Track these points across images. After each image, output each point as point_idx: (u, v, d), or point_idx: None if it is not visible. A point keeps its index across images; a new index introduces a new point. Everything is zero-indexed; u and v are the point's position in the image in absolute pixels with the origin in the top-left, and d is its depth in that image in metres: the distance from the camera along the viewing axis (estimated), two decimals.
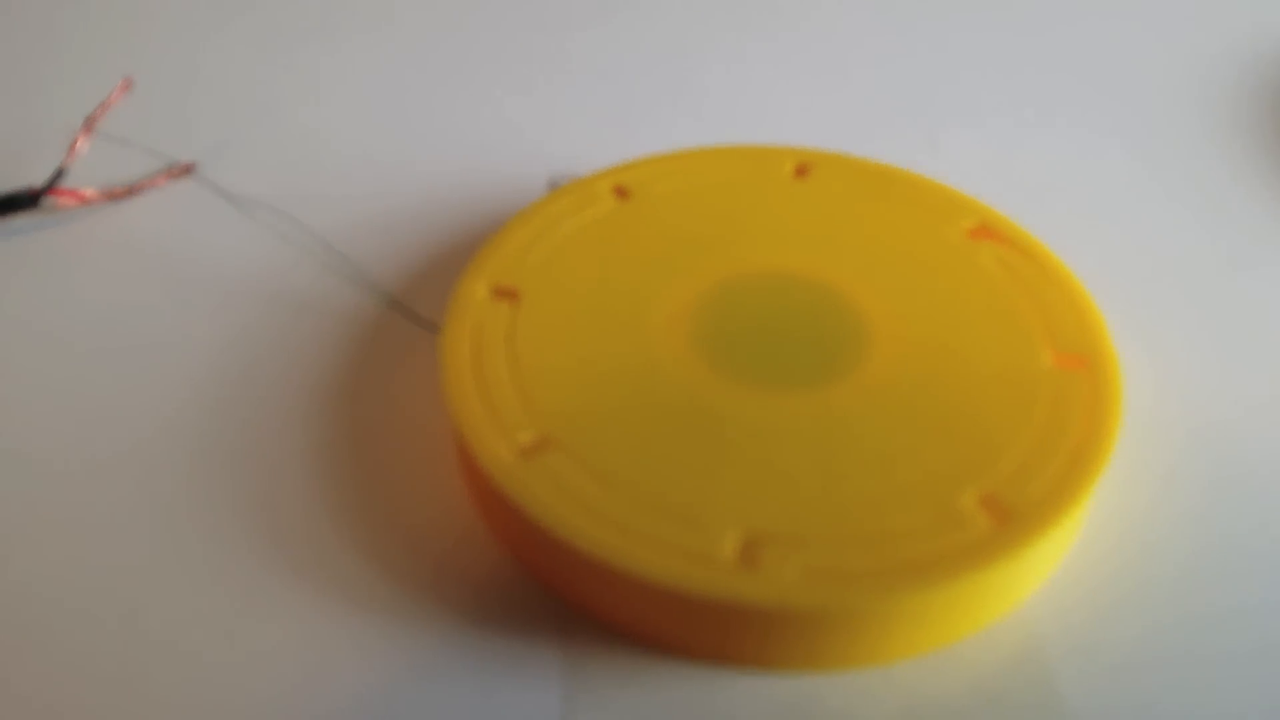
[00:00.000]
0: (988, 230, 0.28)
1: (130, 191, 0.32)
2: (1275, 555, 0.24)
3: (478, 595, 0.23)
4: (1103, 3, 0.41)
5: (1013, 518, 0.22)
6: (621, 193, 0.29)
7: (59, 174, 0.31)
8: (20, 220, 0.31)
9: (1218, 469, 0.26)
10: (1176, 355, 0.28)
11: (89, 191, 0.31)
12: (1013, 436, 0.23)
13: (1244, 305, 0.30)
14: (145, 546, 0.24)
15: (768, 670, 0.22)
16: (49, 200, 0.31)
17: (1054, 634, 0.23)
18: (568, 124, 0.36)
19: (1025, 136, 0.35)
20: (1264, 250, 0.31)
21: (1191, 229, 0.32)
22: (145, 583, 0.23)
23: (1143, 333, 0.29)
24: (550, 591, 0.23)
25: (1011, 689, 0.22)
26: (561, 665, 0.22)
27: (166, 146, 0.33)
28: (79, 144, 0.31)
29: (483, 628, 0.23)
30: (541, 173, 0.33)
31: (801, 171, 0.30)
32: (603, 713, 0.22)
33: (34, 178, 0.32)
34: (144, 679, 0.22)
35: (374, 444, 0.26)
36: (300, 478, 0.25)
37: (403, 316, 0.28)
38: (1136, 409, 0.27)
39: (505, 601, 0.23)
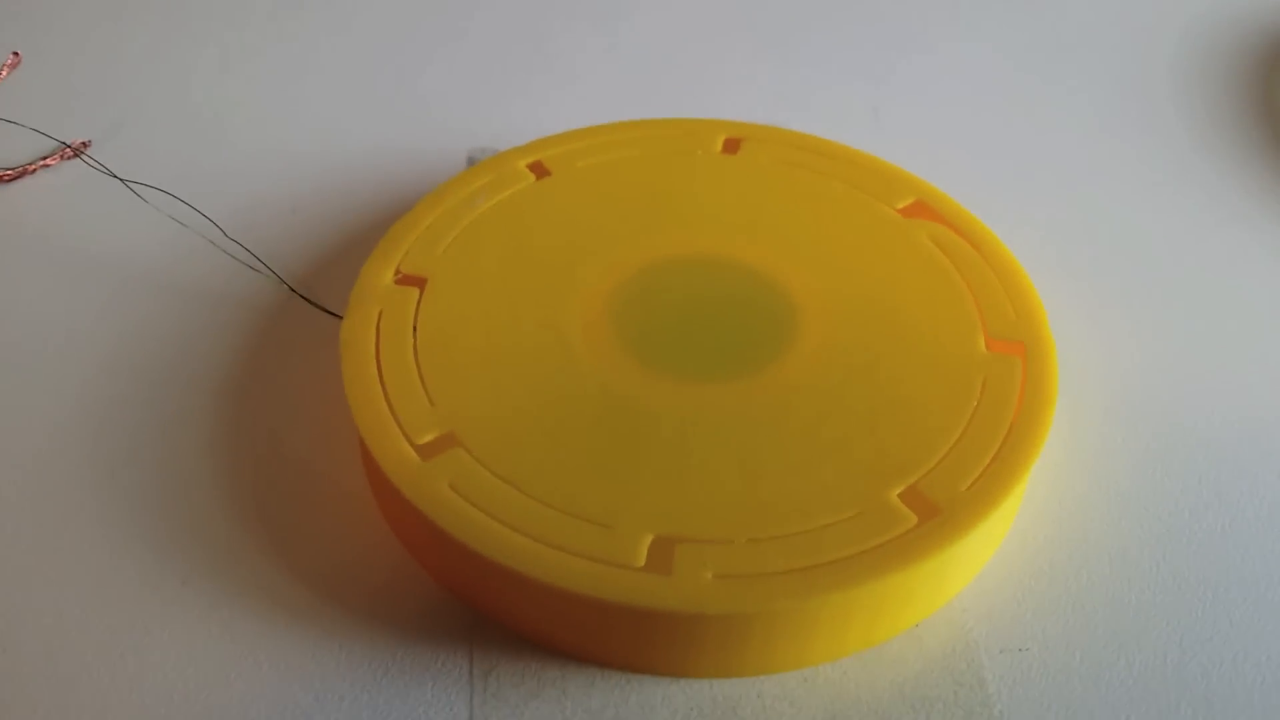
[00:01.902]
0: (925, 208, 0.28)
1: (18, 174, 0.31)
2: (1211, 547, 0.24)
3: (384, 601, 0.23)
4: None
5: (940, 513, 0.22)
6: (540, 169, 0.29)
7: None
8: None
9: (1156, 456, 0.26)
10: (1119, 338, 0.28)
11: None
12: (943, 428, 0.23)
13: (1189, 288, 0.30)
14: (31, 554, 0.24)
15: (684, 676, 0.22)
16: None
17: (984, 631, 0.23)
18: (490, 98, 0.35)
19: (971, 112, 0.35)
20: (1208, 232, 0.31)
21: (1136, 210, 0.32)
22: (32, 591, 0.23)
23: (1085, 314, 0.29)
24: (458, 597, 0.23)
25: (939, 689, 0.22)
26: (471, 673, 0.22)
27: (57, 126, 0.33)
28: None
29: (389, 635, 0.23)
30: (461, 149, 0.33)
31: (731, 146, 0.30)
32: None
33: None
34: (31, 691, 0.22)
35: (277, 441, 0.26)
36: (198, 477, 0.25)
37: (306, 304, 0.28)
38: (1077, 392, 0.27)
39: (413, 607, 0.23)
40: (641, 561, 0.21)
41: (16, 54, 0.33)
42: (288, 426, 0.26)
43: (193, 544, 0.24)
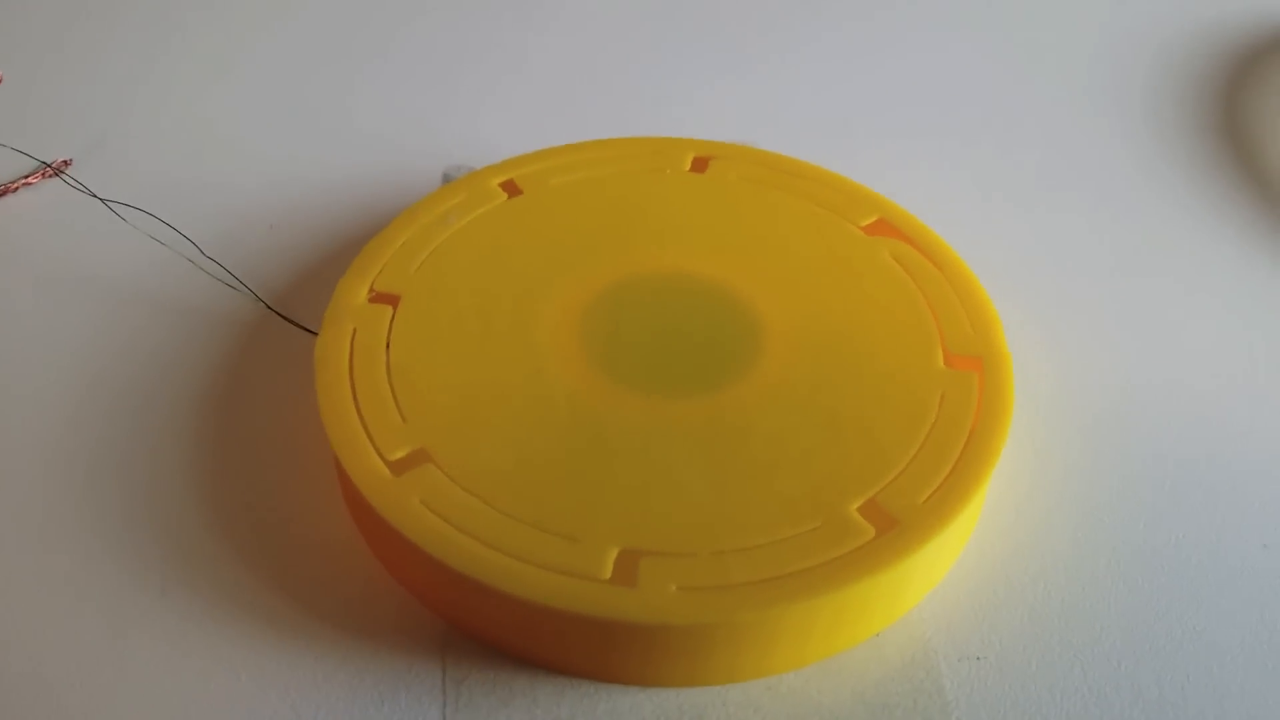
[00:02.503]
0: (888, 226, 0.29)
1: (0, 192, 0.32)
2: (1166, 557, 0.25)
3: (359, 612, 0.24)
4: (1011, 2, 0.42)
5: (897, 525, 0.23)
6: (512, 188, 0.30)
7: None
8: None
9: (1112, 467, 0.27)
10: (1076, 352, 0.29)
11: None
12: (901, 442, 0.24)
13: (1145, 303, 0.30)
14: (11, 564, 0.24)
15: (650, 685, 0.23)
16: None
17: (943, 640, 0.23)
18: (464, 115, 0.36)
19: (935, 130, 0.36)
20: (1164, 247, 0.32)
21: (1093, 226, 0.33)
22: (12, 600, 0.24)
23: (1043, 329, 0.29)
24: (430, 608, 0.24)
25: (899, 696, 0.23)
26: (443, 683, 0.23)
27: (38, 145, 0.33)
28: None
29: (364, 645, 0.23)
30: (437, 168, 0.34)
31: (700, 164, 0.31)
32: None
33: None
34: (6, 696, 0.22)
35: (253, 455, 0.26)
36: (176, 490, 0.25)
37: (282, 321, 0.29)
38: (1034, 405, 0.27)
39: (386, 619, 0.24)
40: (607, 574, 0.22)
41: None
42: (264, 441, 0.26)
43: (171, 555, 0.24)
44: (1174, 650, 0.23)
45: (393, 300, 0.26)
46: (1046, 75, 0.38)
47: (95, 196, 0.31)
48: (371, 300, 0.26)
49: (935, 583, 0.24)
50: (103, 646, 0.23)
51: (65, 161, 0.33)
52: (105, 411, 0.27)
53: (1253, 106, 0.37)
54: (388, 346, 0.25)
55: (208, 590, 0.24)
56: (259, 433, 0.26)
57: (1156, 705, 0.23)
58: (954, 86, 0.37)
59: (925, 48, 0.39)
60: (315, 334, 0.26)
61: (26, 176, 0.32)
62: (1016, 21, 0.40)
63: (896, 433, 0.24)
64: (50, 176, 0.32)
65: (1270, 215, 0.33)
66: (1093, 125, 0.36)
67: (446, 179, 0.33)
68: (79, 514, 0.25)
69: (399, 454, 0.24)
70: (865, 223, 0.29)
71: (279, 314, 0.29)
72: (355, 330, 0.26)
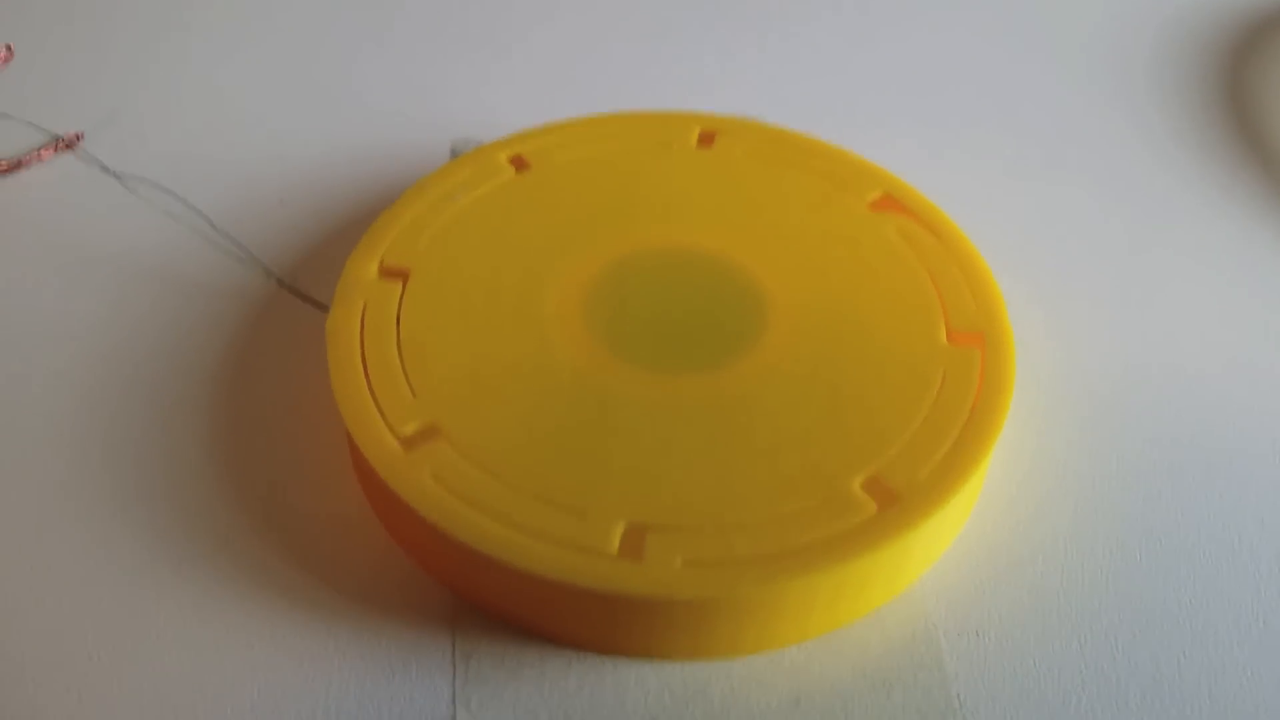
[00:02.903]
0: (893, 201, 0.29)
1: (12, 166, 0.32)
2: (1164, 534, 0.25)
3: (370, 586, 0.24)
4: None
5: (898, 501, 0.23)
6: (520, 163, 0.30)
7: None
8: None
9: (1112, 445, 0.27)
10: (1078, 329, 0.29)
11: None
12: (903, 418, 0.24)
13: (1147, 280, 0.31)
14: (29, 541, 0.25)
15: (656, 658, 0.23)
16: None
17: (943, 614, 0.24)
18: (473, 88, 0.36)
19: (943, 105, 0.36)
20: (1168, 226, 0.32)
21: (1098, 203, 0.33)
22: (27, 575, 0.24)
23: (1046, 306, 0.30)
24: (440, 582, 0.24)
25: (899, 670, 0.23)
26: (453, 655, 0.23)
27: (50, 119, 0.33)
28: None
29: (375, 618, 0.24)
30: (445, 140, 0.34)
31: (706, 139, 0.31)
32: (493, 702, 0.23)
33: None
34: (29, 669, 0.23)
35: (265, 429, 0.27)
36: (189, 466, 0.26)
37: (293, 295, 0.29)
38: (1037, 383, 0.28)
39: (396, 592, 0.24)
40: (614, 548, 0.22)
41: (9, 47, 0.33)
42: (275, 416, 0.27)
43: (185, 531, 0.25)
44: (1170, 626, 0.24)
45: (402, 275, 0.27)
46: (1052, 52, 0.38)
47: (107, 170, 0.31)
48: (381, 275, 0.27)
49: (936, 558, 0.25)
50: (120, 619, 0.23)
51: (78, 135, 0.33)
52: (119, 386, 0.27)
53: (1258, 83, 0.37)
54: (398, 322, 0.26)
55: (221, 564, 0.24)
56: (271, 407, 0.27)
57: (1152, 680, 0.23)
58: (960, 63, 0.38)
59: (931, 24, 0.39)
60: (326, 309, 0.26)
61: (39, 150, 0.32)
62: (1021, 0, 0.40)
63: (899, 408, 0.25)
64: (63, 150, 0.32)
65: (1275, 192, 0.33)
66: (1098, 103, 0.36)
67: (454, 153, 0.33)
68: (95, 488, 0.25)
69: (410, 429, 0.24)
70: (871, 198, 0.29)
71: (290, 289, 0.29)
72: (366, 305, 0.26)
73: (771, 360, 0.25)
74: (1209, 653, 0.23)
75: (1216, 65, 0.38)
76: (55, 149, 0.32)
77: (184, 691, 0.22)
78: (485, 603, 0.24)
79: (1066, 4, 0.40)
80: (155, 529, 0.25)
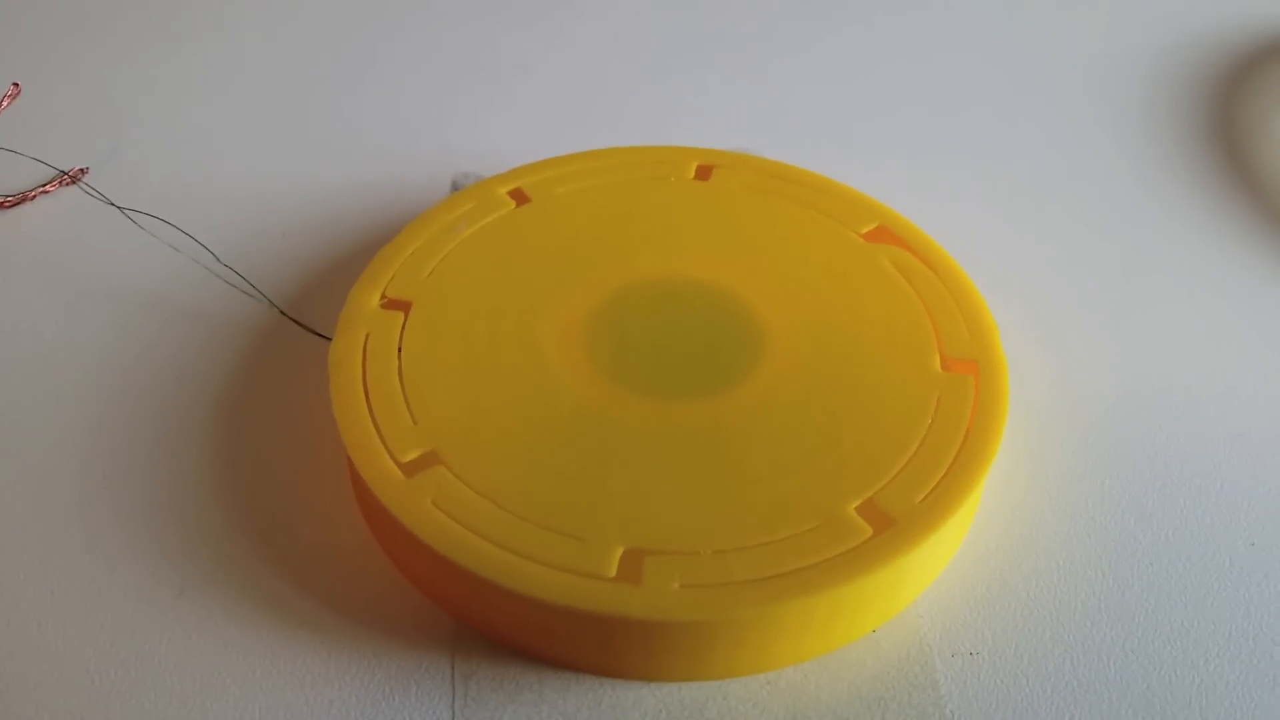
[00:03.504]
0: (887, 233, 0.30)
1: (18, 200, 0.33)
2: (1155, 556, 0.26)
3: (371, 610, 0.25)
4: (1006, 6, 0.43)
5: (894, 525, 0.24)
6: (520, 196, 0.31)
7: None
8: None
9: (1103, 469, 0.27)
10: (1071, 356, 0.30)
11: None
12: (899, 444, 0.25)
13: (1138, 307, 0.31)
14: (33, 566, 0.25)
15: (654, 680, 0.24)
16: None
17: (937, 636, 0.24)
18: (473, 123, 0.37)
19: (932, 140, 0.37)
20: (1158, 253, 0.33)
21: (1091, 233, 0.34)
22: (35, 601, 0.25)
23: (1039, 334, 0.30)
24: (440, 606, 0.25)
25: (894, 690, 0.24)
26: (453, 678, 0.24)
27: (55, 154, 0.34)
28: None
29: (376, 641, 0.24)
30: (445, 175, 0.34)
31: (703, 173, 0.32)
32: None
33: None
34: (32, 690, 0.23)
35: (268, 456, 0.27)
36: (193, 492, 0.26)
37: (296, 326, 0.30)
38: (1030, 409, 0.28)
39: (398, 616, 0.25)
40: (613, 572, 0.23)
41: (16, 85, 0.34)
42: (278, 443, 0.27)
43: (188, 556, 0.25)
44: (1161, 646, 0.24)
45: (404, 306, 0.27)
46: (1043, 83, 0.39)
47: (112, 204, 0.32)
48: (383, 306, 0.27)
49: (930, 581, 0.25)
50: (123, 643, 0.24)
51: (82, 170, 0.34)
52: (124, 416, 0.28)
53: (1247, 113, 0.38)
54: (399, 351, 0.26)
55: (224, 589, 0.25)
56: (274, 435, 0.27)
57: (1144, 699, 0.23)
58: (952, 95, 0.38)
59: (923, 56, 0.40)
60: (329, 339, 0.27)
61: (44, 185, 0.33)
62: (1013, 30, 0.41)
63: (894, 435, 0.25)
64: (67, 185, 0.33)
65: (1264, 220, 0.34)
66: (1090, 133, 0.37)
67: (455, 187, 0.34)
68: (99, 516, 0.26)
69: (410, 456, 0.24)
70: (865, 230, 0.30)
71: (293, 320, 0.30)
72: (368, 335, 0.27)
73: (768, 388, 0.26)
74: (1200, 672, 0.24)
75: (1206, 97, 0.38)
76: (60, 183, 0.33)
77: (186, 714, 0.23)
78: (484, 626, 0.24)
79: (1058, 37, 0.41)
80: (159, 554, 0.25)
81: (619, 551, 0.23)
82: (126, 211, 0.32)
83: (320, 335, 0.29)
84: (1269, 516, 0.27)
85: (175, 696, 0.23)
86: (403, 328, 0.27)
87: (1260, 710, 0.23)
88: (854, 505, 0.24)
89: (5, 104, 0.33)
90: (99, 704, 0.23)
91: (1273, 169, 0.36)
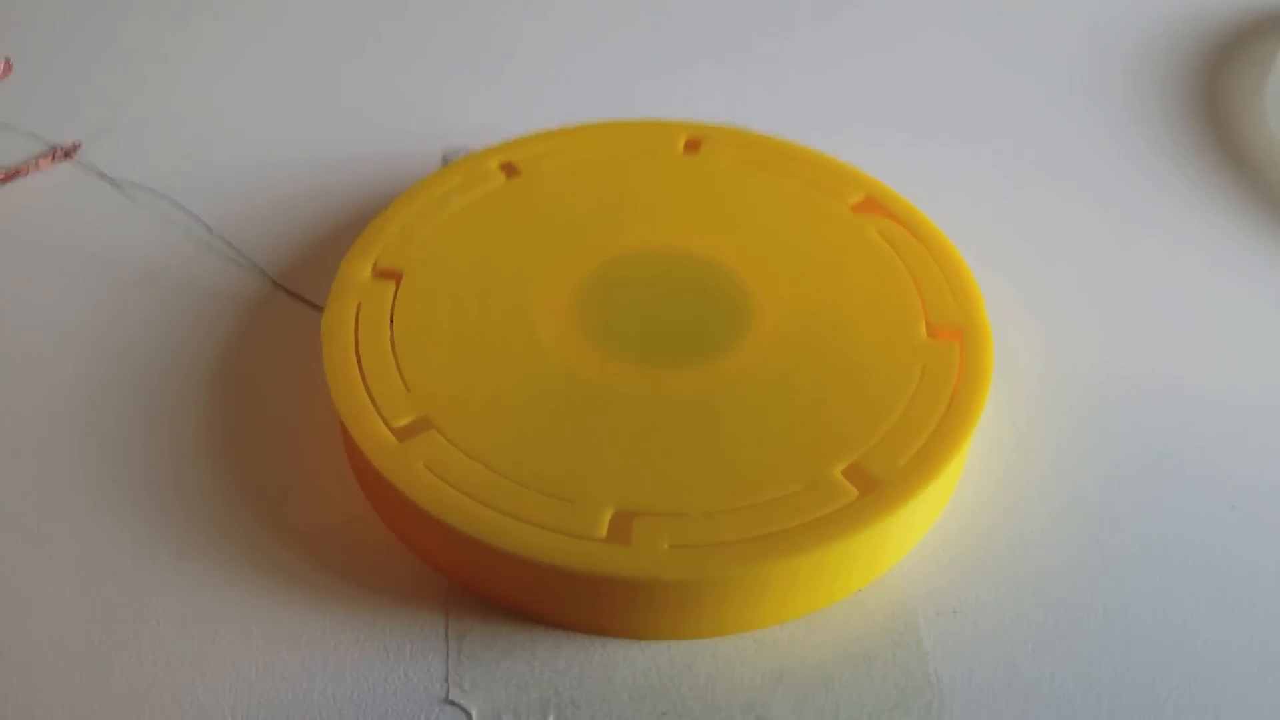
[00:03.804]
0: (875, 204, 0.30)
1: (12, 175, 0.33)
2: (1134, 519, 0.26)
3: (366, 572, 0.25)
4: None
5: (878, 487, 0.24)
6: (510, 169, 0.31)
7: None
8: None
9: (1084, 435, 0.28)
10: (1058, 327, 0.30)
11: None
12: (884, 409, 0.26)
13: (1122, 279, 0.32)
14: (33, 532, 0.26)
15: (643, 638, 0.24)
16: None
17: (921, 596, 0.25)
18: (463, 97, 0.37)
19: (920, 113, 0.37)
20: (1143, 227, 0.34)
21: (1077, 206, 0.34)
22: (35, 565, 0.25)
23: (1025, 305, 0.31)
24: (434, 568, 0.25)
25: (879, 648, 0.24)
26: (446, 637, 0.24)
27: (49, 129, 0.35)
28: None
29: (371, 603, 0.25)
30: (436, 148, 0.35)
31: (692, 146, 0.32)
32: (486, 681, 0.23)
33: None
34: (37, 657, 0.24)
35: (263, 423, 0.28)
36: (191, 459, 0.27)
37: (289, 297, 0.30)
38: (1016, 378, 0.29)
39: (392, 578, 0.25)
40: (603, 533, 0.23)
41: (8, 61, 0.35)
42: (273, 411, 0.28)
43: (186, 521, 0.26)
44: (1142, 607, 0.25)
45: (396, 276, 0.28)
46: (1031, 58, 0.39)
47: (105, 178, 0.32)
48: (375, 276, 0.28)
49: (915, 542, 0.26)
50: (122, 607, 0.24)
51: (75, 144, 0.34)
52: (121, 385, 0.28)
53: (1233, 90, 0.38)
54: (391, 320, 0.27)
55: (221, 553, 0.25)
56: (269, 403, 0.28)
57: (1124, 658, 0.24)
58: (941, 69, 0.39)
59: (912, 32, 0.40)
60: (321, 309, 0.27)
61: (38, 159, 0.33)
62: (1001, 6, 0.42)
63: (880, 400, 0.26)
64: (61, 159, 0.34)
65: (1248, 196, 0.34)
66: (1077, 108, 0.37)
67: (446, 160, 0.34)
68: (98, 482, 0.26)
69: (403, 421, 0.25)
70: (853, 201, 0.30)
71: (286, 290, 0.30)
72: (360, 305, 0.27)
73: (756, 356, 0.26)
74: (1179, 631, 0.24)
75: (1192, 74, 0.39)
76: (54, 158, 0.33)
77: (185, 673, 0.23)
78: (478, 587, 0.25)
79: (1045, 11, 0.41)
80: (157, 519, 0.26)
81: (609, 513, 0.23)
82: (119, 185, 0.32)
83: (313, 305, 0.29)
84: (1249, 481, 0.27)
85: (173, 656, 0.24)
86: (394, 297, 0.27)
87: (1239, 669, 0.24)
88: (840, 468, 0.24)
89: None
90: (99, 662, 0.23)
91: (1258, 144, 0.36)
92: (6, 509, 0.26)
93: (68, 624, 0.24)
